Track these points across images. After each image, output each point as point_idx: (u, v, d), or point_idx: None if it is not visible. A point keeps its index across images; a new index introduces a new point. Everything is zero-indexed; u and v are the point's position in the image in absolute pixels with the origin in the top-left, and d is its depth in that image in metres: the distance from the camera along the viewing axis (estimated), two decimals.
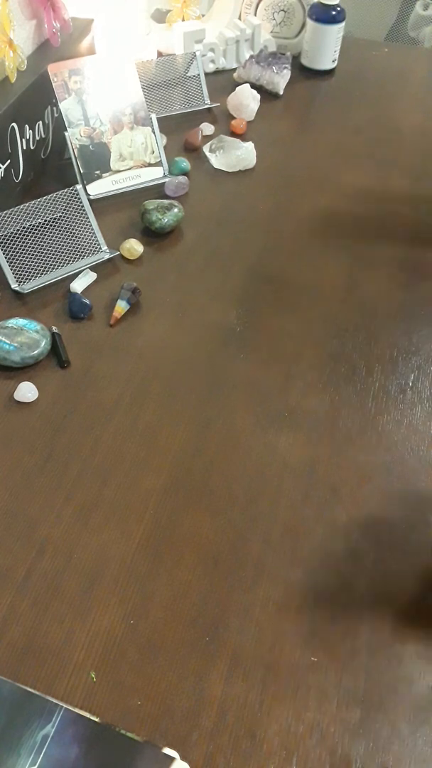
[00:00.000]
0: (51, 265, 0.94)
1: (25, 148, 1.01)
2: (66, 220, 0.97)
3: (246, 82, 1.34)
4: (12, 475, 0.72)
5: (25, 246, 0.92)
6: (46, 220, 0.95)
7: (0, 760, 0.52)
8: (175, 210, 1.01)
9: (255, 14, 1.43)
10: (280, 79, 1.34)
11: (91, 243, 0.97)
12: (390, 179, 1.16)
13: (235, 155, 1.15)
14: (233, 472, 0.73)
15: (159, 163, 1.11)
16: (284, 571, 0.65)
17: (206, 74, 1.33)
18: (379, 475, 0.73)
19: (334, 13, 1.34)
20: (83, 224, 0.97)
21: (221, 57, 1.39)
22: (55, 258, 0.94)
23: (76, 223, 0.97)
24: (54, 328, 0.86)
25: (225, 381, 0.82)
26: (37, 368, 0.83)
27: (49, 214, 0.95)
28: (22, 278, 0.91)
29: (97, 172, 1.07)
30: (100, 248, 0.98)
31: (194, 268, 0.98)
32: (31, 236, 0.93)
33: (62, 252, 0.95)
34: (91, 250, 0.97)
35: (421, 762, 0.54)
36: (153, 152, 1.10)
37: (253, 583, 0.64)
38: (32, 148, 1.04)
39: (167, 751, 0.53)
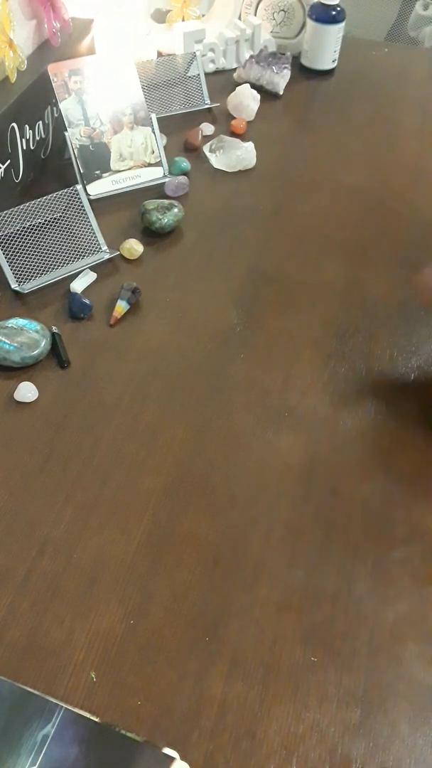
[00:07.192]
0: (51, 265, 0.94)
1: (25, 148, 1.01)
2: (66, 220, 0.97)
3: (246, 82, 1.34)
4: (12, 475, 0.72)
5: (25, 246, 0.92)
6: (46, 220, 0.95)
7: (0, 760, 0.52)
8: (175, 210, 1.01)
9: (255, 14, 1.43)
10: (280, 79, 1.34)
11: (91, 243, 0.97)
12: (390, 179, 1.16)
13: (235, 155, 1.15)
14: (233, 472, 0.73)
15: (159, 163, 1.11)
16: (284, 571, 0.65)
17: (206, 74, 1.33)
18: (379, 475, 0.73)
19: (334, 13, 1.34)
20: (83, 224, 0.97)
21: (221, 57, 1.39)
22: (55, 258, 0.94)
23: (76, 223, 0.97)
24: (54, 328, 0.86)
25: (225, 381, 0.82)
26: (37, 368, 0.83)
27: (49, 214, 0.95)
28: (22, 278, 0.91)
29: (97, 172, 1.07)
30: (100, 248, 0.98)
31: (194, 268, 0.98)
32: (31, 236, 0.93)
33: (62, 252, 0.95)
34: (91, 250, 0.97)
35: (421, 762, 0.54)
36: (153, 152, 1.10)
37: (253, 583, 0.64)
38: (32, 148, 1.04)
39: (167, 751, 0.53)
